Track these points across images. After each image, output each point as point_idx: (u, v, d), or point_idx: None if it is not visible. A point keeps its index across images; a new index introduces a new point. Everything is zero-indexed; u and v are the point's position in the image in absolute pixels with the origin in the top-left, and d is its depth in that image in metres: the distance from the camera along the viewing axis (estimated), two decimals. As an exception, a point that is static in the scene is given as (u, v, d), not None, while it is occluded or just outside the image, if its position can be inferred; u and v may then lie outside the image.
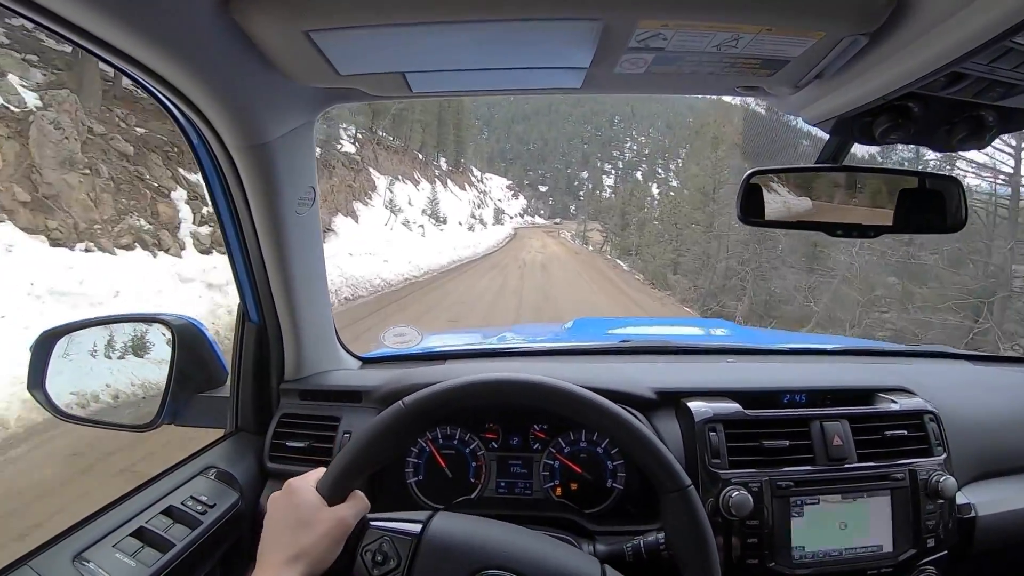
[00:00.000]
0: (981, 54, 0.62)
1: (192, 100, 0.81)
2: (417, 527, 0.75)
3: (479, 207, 58.68)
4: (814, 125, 0.95)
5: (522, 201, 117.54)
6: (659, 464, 0.77)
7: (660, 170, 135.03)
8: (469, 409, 1.10)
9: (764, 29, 0.69)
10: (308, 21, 0.68)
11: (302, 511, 0.73)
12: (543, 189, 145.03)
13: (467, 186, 61.32)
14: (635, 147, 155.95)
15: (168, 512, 0.99)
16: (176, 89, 0.78)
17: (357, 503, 0.77)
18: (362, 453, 0.77)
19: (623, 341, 1.64)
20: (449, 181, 50.34)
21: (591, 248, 51.09)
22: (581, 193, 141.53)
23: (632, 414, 1.07)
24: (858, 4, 0.65)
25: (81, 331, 1.22)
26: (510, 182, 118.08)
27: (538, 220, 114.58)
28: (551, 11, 0.67)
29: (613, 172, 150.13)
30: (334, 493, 0.75)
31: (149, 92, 0.81)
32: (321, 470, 0.78)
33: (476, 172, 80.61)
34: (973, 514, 1.15)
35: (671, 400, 1.19)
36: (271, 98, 0.89)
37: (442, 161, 51.37)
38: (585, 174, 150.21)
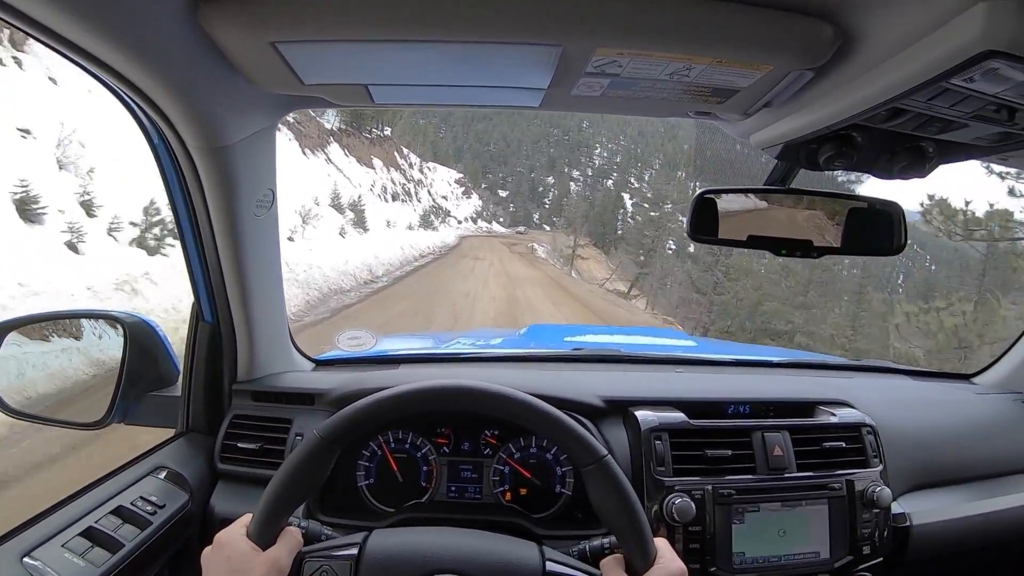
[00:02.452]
0: (919, 93, 0.66)
1: (155, 102, 0.81)
2: (354, 549, 0.76)
3: (397, 198, 39.31)
4: (762, 150, 0.99)
5: (476, 201, 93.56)
6: (574, 440, 0.79)
7: (633, 180, 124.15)
8: (400, 420, 1.13)
9: (715, 61, 0.73)
10: (275, 33, 0.69)
11: (235, 562, 0.72)
12: (503, 194, 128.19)
13: (384, 166, 41.65)
14: (605, 154, 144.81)
15: (118, 512, 0.98)
16: (140, 90, 0.78)
17: (289, 541, 0.76)
18: (286, 490, 0.76)
19: (576, 349, 1.67)
20: (334, 144, 31.27)
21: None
22: (546, 200, 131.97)
23: (580, 422, 1.10)
24: (804, 42, 0.69)
25: (31, 326, 1.20)
26: (461, 175, 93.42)
27: (496, 227, 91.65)
28: (512, 36, 0.69)
29: (582, 179, 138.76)
30: (265, 536, 0.74)
31: (112, 91, 0.81)
32: (248, 516, 0.77)
33: (413, 158, 62.92)
34: (908, 523, 1.21)
35: (619, 408, 1.22)
36: (234, 102, 0.90)
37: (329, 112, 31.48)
38: (551, 179, 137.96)
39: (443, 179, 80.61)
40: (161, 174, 1.01)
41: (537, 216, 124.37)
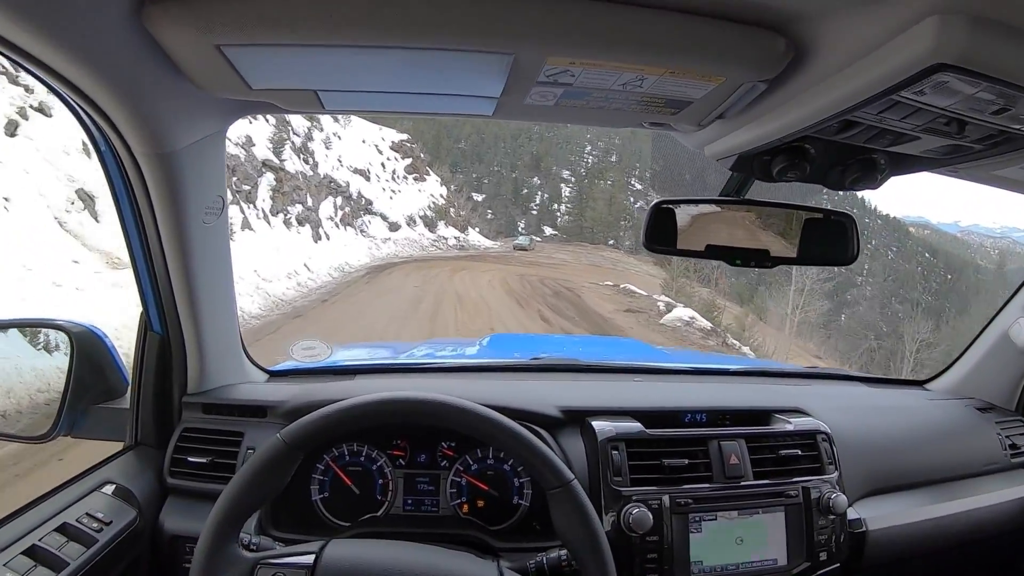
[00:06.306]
0: (870, 105, 0.66)
1: (100, 106, 0.79)
2: (310, 558, 0.74)
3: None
4: (716, 161, 0.99)
5: (435, 188, 50.93)
6: (541, 462, 0.79)
7: (635, 181, 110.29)
8: (368, 429, 1.10)
9: (667, 72, 0.72)
10: (220, 36, 0.67)
11: None
12: (479, 198, 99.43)
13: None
14: (596, 152, 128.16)
15: (62, 529, 0.95)
16: (84, 94, 0.75)
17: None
18: (244, 495, 0.75)
19: (534, 359, 1.67)
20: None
21: None
22: (533, 204, 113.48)
23: (536, 432, 1.10)
24: (757, 54, 0.69)
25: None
26: (405, 137, 50.10)
27: (474, 238, 55.36)
28: (464, 43, 0.68)
29: (573, 180, 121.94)
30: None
31: (57, 95, 0.78)
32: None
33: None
34: (864, 529, 1.23)
35: (576, 418, 1.21)
36: (181, 107, 0.87)
37: None
38: (537, 180, 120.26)
39: (365, 139, 41.06)
40: (108, 180, 0.98)
41: (522, 224, 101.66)
